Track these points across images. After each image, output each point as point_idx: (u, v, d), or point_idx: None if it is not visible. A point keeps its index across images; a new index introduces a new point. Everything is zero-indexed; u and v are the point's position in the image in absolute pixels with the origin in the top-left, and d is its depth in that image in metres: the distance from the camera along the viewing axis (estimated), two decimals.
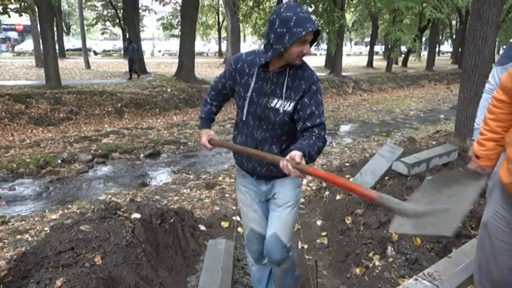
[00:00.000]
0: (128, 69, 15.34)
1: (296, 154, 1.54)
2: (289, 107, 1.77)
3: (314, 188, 4.65)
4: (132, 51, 15.06)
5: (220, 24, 32.55)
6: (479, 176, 1.70)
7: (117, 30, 34.15)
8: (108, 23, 32.69)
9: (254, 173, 2.00)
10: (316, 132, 1.70)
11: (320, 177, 1.61)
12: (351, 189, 1.51)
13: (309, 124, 1.72)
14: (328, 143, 9.54)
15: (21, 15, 11.51)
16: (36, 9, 11.30)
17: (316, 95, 1.76)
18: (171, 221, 2.94)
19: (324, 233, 3.40)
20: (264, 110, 1.82)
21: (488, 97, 2.26)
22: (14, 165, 6.52)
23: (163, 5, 30.55)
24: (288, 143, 1.89)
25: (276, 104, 1.79)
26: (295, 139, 1.85)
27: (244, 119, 1.87)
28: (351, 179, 3.85)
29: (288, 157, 1.55)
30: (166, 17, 33.16)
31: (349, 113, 13.38)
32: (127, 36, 19.26)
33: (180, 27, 16.62)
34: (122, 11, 24.09)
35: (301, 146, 1.62)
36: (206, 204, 4.73)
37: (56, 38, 13.95)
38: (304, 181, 5.48)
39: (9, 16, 10.84)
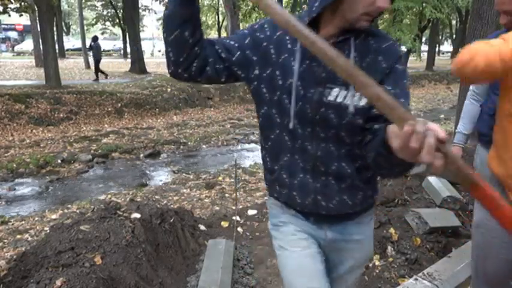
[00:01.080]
0: (94, 70, 14.44)
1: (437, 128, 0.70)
2: (360, 100, 1.05)
3: None
4: (97, 50, 14.49)
5: (220, 24, 32.53)
6: None
7: (117, 30, 34.13)
8: (108, 23, 32.71)
9: (312, 213, 1.23)
10: None
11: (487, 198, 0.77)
12: None
13: None
14: None
15: (22, 15, 11.51)
16: (36, 9, 11.29)
17: (402, 79, 1.09)
18: (171, 220, 2.94)
19: None
20: (317, 108, 1.09)
21: (472, 103, 2.22)
22: (14, 165, 6.51)
23: (163, 5, 30.54)
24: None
25: (338, 96, 1.06)
26: None
27: (291, 126, 1.12)
28: None
29: (418, 124, 0.70)
30: None
31: None
32: (127, 36, 19.25)
33: None
34: (121, 10, 24.08)
35: None
36: (206, 204, 4.73)
37: (55, 38, 13.96)
38: None
39: (9, 16, 10.85)
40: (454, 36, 36.04)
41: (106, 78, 14.46)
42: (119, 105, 10.91)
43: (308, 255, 1.25)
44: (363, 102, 1.05)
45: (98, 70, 14.27)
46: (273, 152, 1.21)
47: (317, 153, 1.13)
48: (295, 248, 1.26)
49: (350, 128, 1.08)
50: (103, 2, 29.34)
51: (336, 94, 1.06)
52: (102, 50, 14.94)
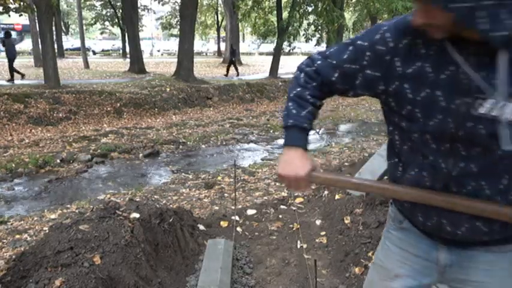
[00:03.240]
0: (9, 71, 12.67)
1: None
2: None
3: (313, 187, 4.66)
4: (10, 47, 12.67)
5: (219, 23, 32.55)
6: None
7: (116, 30, 34.12)
8: (107, 23, 32.74)
9: (435, 234, 1.08)
10: None
11: None
12: None
13: None
14: (327, 142, 9.65)
15: (21, 14, 11.51)
16: (35, 9, 11.29)
17: None
18: (170, 220, 2.94)
19: (323, 233, 3.40)
20: (463, 123, 0.92)
21: None
22: (13, 165, 6.50)
23: (162, 5, 30.57)
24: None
25: (492, 108, 0.88)
26: None
27: (421, 139, 1.00)
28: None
29: None
30: (165, 17, 33.18)
31: (348, 112, 13.38)
32: (126, 36, 19.22)
33: (179, 26, 16.61)
34: (120, 10, 24.07)
35: None
36: (205, 203, 4.73)
37: (54, 38, 13.93)
38: None
39: (9, 16, 10.84)
40: None
41: (22, 78, 13.04)
42: (118, 105, 10.91)
43: None
44: None
45: (12, 70, 12.67)
46: (398, 162, 1.09)
47: (453, 173, 0.97)
48: (390, 278, 1.16)
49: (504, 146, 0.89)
50: (102, 2, 29.35)
51: (490, 106, 0.88)
52: (15, 47, 13.14)
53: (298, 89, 1.12)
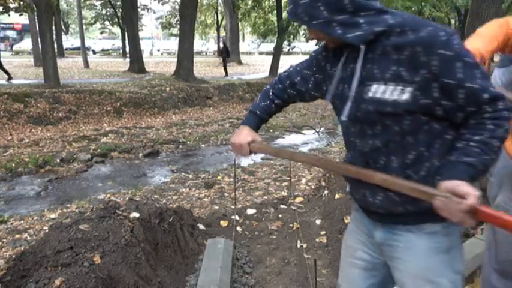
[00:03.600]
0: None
1: (459, 186, 0.95)
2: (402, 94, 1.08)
3: (313, 186, 4.66)
4: None
5: (219, 23, 32.52)
6: None
7: (116, 30, 34.11)
8: (106, 22, 32.74)
9: (364, 207, 1.27)
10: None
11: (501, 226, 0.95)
12: None
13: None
14: (327, 142, 9.67)
15: (21, 14, 11.49)
16: (35, 9, 11.28)
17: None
18: (170, 220, 2.94)
19: (323, 232, 3.40)
20: (360, 106, 1.15)
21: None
22: (13, 165, 6.50)
23: (162, 4, 30.54)
24: (418, 152, 1.11)
25: (375, 91, 1.12)
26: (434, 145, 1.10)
27: (344, 125, 1.23)
28: None
29: (445, 188, 0.96)
30: (165, 16, 33.15)
31: None
32: (126, 35, 19.20)
33: (179, 26, 16.60)
34: (120, 10, 24.05)
35: (467, 157, 1.01)
36: (205, 203, 4.73)
37: (54, 37, 13.92)
38: (303, 179, 5.49)
39: (8, 15, 10.83)
40: None
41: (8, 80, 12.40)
42: (118, 104, 10.90)
43: (352, 264, 1.34)
44: (405, 96, 1.05)
45: (2, 68, 12.36)
46: (345, 146, 1.31)
47: (365, 149, 1.17)
48: (347, 255, 1.37)
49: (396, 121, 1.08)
50: (102, 1, 29.33)
51: (374, 90, 1.09)
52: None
53: (268, 87, 1.48)
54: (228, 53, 18.75)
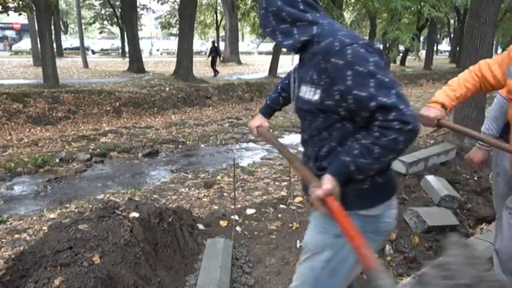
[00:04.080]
0: None
1: (324, 178, 1.16)
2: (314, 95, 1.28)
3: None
4: None
5: (219, 23, 32.50)
6: None
7: (115, 29, 34.07)
8: (106, 22, 32.65)
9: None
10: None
11: (342, 225, 1.11)
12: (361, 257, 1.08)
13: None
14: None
15: (20, 14, 11.48)
16: (34, 8, 11.26)
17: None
18: (170, 220, 2.94)
19: None
20: (297, 103, 1.39)
21: (501, 100, 2.26)
22: (12, 165, 6.50)
23: (162, 4, 30.47)
24: (330, 146, 1.28)
25: (305, 92, 1.34)
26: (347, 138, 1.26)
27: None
28: None
29: (321, 179, 1.19)
30: (165, 16, 33.10)
31: None
32: (125, 35, 19.17)
33: (178, 26, 16.58)
34: (119, 10, 24.03)
35: (347, 156, 1.16)
36: (204, 203, 4.73)
37: (53, 37, 13.90)
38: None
39: (8, 15, 10.81)
40: (452, 35, 36.07)
41: None
42: (117, 104, 10.89)
43: None
44: (316, 97, 1.24)
45: None
46: None
47: (304, 137, 1.39)
48: None
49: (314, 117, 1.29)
50: (101, 1, 29.30)
51: (303, 90, 1.30)
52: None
53: (279, 81, 1.71)
54: (217, 53, 18.62)
